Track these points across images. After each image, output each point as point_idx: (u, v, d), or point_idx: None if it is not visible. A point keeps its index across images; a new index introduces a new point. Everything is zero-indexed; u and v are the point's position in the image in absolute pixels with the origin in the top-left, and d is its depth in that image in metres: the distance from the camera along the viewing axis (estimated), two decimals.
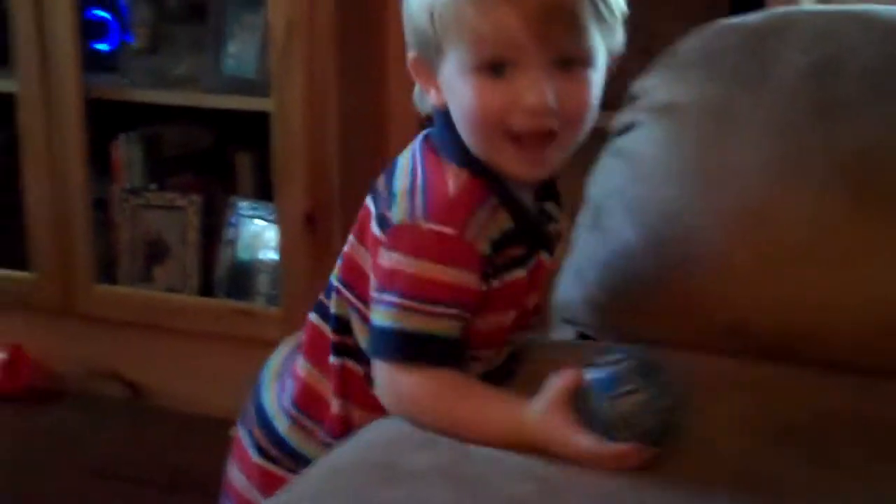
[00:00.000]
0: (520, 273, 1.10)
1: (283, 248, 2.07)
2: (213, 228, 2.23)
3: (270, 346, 1.52)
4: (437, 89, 1.09)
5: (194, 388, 2.19)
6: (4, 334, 2.30)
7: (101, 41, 2.23)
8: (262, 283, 2.17)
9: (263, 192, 2.22)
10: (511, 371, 1.19)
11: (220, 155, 2.33)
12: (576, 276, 1.38)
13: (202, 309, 2.17)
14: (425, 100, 1.13)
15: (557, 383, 1.02)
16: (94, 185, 2.21)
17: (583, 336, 1.41)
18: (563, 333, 1.43)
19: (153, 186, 2.25)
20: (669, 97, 1.32)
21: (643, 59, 1.37)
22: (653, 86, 1.35)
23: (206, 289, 2.22)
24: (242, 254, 2.19)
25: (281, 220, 2.06)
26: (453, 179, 1.07)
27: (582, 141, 1.07)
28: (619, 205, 1.32)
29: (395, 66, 2.07)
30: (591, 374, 1.00)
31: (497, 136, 1.04)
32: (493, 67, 1.02)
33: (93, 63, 2.17)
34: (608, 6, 1.04)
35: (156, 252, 2.25)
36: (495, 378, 1.14)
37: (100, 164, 2.23)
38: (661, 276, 1.28)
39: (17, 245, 2.28)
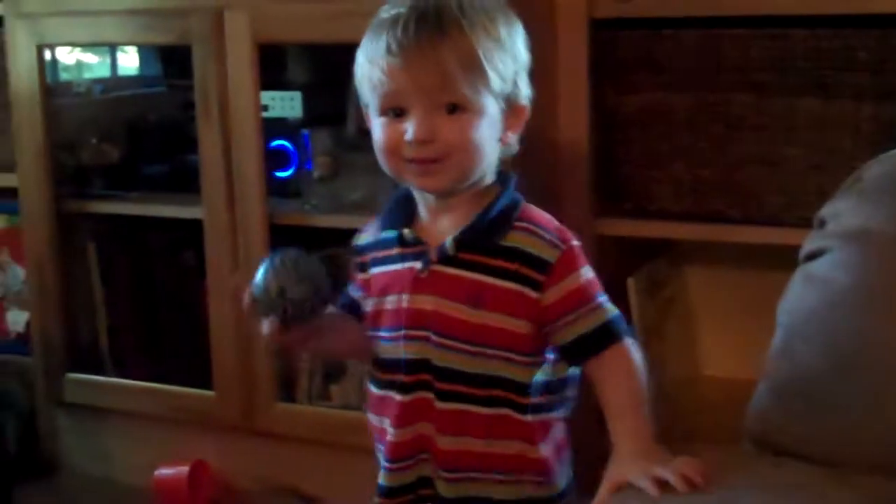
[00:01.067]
0: (377, 270, 1.45)
1: None
2: None
3: None
4: None
5: None
6: (187, 450, 2.37)
7: (283, 169, 2.34)
8: None
9: None
10: None
11: None
12: (767, 397, 1.39)
13: None
14: None
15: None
16: None
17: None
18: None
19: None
20: (860, 222, 1.33)
21: None
22: (841, 210, 1.36)
23: None
24: None
25: None
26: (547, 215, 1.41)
27: (475, 169, 1.35)
28: (810, 330, 1.33)
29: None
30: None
31: (397, 162, 1.36)
32: (394, 112, 1.35)
33: (275, 190, 2.28)
34: (489, 62, 1.31)
35: (332, 371, 2.32)
36: None
37: None
38: (851, 406, 1.28)
39: (201, 364, 2.38)
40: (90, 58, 2.84)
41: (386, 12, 1.36)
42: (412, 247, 1.39)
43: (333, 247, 1.91)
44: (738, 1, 1.88)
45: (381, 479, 1.43)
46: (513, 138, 1.40)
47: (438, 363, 1.37)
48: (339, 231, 2.26)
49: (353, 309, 1.49)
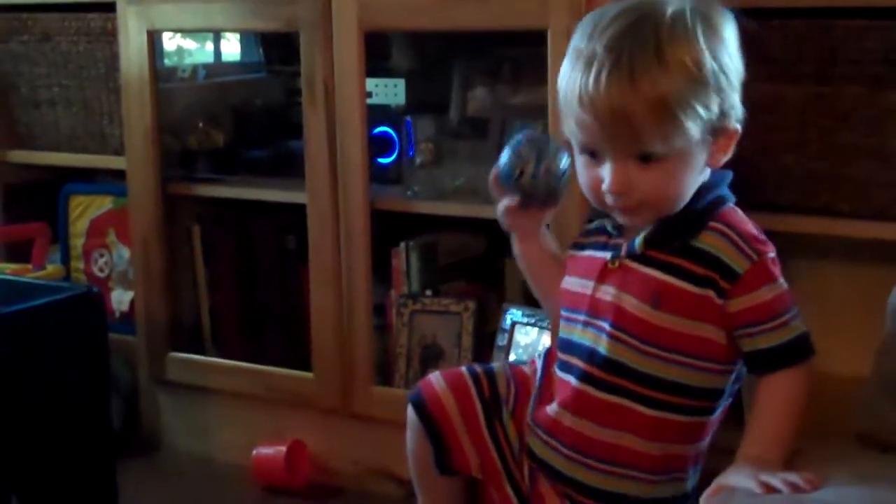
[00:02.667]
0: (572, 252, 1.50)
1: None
2: (486, 333, 2.30)
3: None
4: None
5: None
6: (285, 430, 2.41)
7: (386, 156, 2.36)
8: None
9: (532, 298, 2.27)
10: None
11: (491, 262, 2.42)
12: (874, 393, 1.37)
13: None
14: None
15: None
16: (373, 291, 2.32)
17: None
18: None
19: (429, 292, 2.35)
20: None
21: None
22: None
23: None
24: (515, 359, 2.24)
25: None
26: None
27: (676, 206, 1.34)
28: None
29: None
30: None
31: (598, 202, 1.36)
32: (590, 154, 1.34)
33: (377, 176, 2.30)
34: (687, 109, 1.25)
35: (430, 356, 2.34)
36: None
37: (379, 270, 2.34)
38: None
39: (301, 346, 2.42)
40: (189, 44, 2.89)
41: (582, 41, 1.31)
42: (612, 238, 1.41)
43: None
44: None
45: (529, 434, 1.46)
46: (722, 158, 1.35)
47: (609, 355, 1.36)
48: (439, 218, 2.29)
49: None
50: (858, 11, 1.85)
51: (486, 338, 2.30)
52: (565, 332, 1.43)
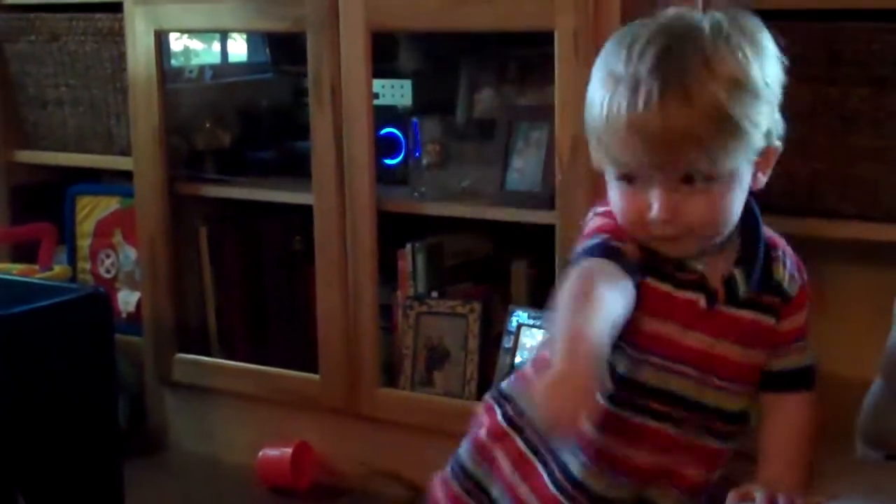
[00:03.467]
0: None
1: None
2: (492, 335, 2.30)
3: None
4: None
5: None
6: (291, 431, 2.41)
7: (392, 157, 2.37)
8: None
9: (538, 300, 2.28)
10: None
11: (498, 263, 2.42)
12: (881, 396, 1.37)
13: None
14: None
15: None
16: (379, 292, 2.32)
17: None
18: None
19: (435, 294, 2.35)
20: None
21: None
22: None
23: (484, 394, 2.27)
24: (521, 361, 2.24)
25: None
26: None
27: (724, 233, 1.25)
28: None
29: None
30: None
31: (640, 232, 1.23)
32: (627, 179, 1.22)
33: (383, 177, 2.30)
34: (741, 126, 1.17)
35: (436, 357, 2.33)
36: None
37: (385, 272, 2.34)
38: None
39: (307, 348, 2.42)
40: (196, 44, 2.89)
41: (618, 65, 1.20)
42: (687, 272, 1.27)
43: None
44: None
45: (586, 477, 1.30)
46: (763, 179, 1.27)
47: (706, 402, 1.29)
48: (446, 219, 2.29)
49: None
50: (865, 14, 1.85)
51: (492, 340, 2.30)
52: (649, 377, 1.28)
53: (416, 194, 2.29)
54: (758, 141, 1.21)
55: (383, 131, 2.35)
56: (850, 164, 1.90)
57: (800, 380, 1.33)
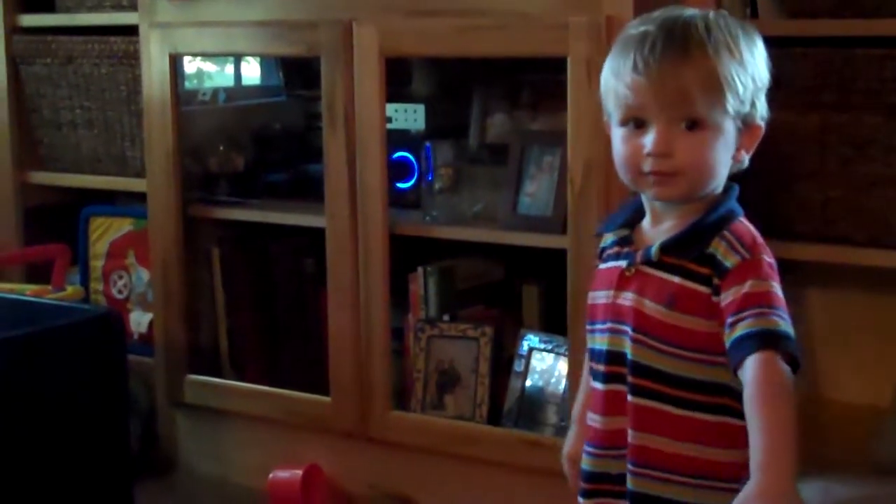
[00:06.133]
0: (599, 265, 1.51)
1: (574, 379, 2.11)
2: (503, 359, 2.31)
3: (557, 477, 1.58)
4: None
5: None
6: (302, 454, 2.41)
7: (405, 181, 2.38)
8: (551, 414, 2.22)
9: (550, 324, 2.28)
10: None
11: (509, 287, 2.42)
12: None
13: (491, 438, 2.23)
14: None
15: None
16: (391, 315, 2.33)
17: None
18: None
19: (446, 317, 2.35)
20: None
21: None
22: None
23: (495, 418, 2.28)
24: (532, 385, 2.24)
25: (573, 353, 2.11)
26: None
27: (708, 183, 1.40)
28: None
29: None
30: None
31: (634, 173, 1.41)
32: (635, 124, 1.40)
33: (396, 201, 2.31)
34: (729, 84, 1.35)
35: (447, 380, 2.34)
36: None
37: (397, 295, 2.35)
38: None
39: (318, 370, 2.42)
40: (210, 66, 2.91)
41: (634, 28, 1.42)
42: (626, 247, 1.46)
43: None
44: (870, 23, 1.86)
45: (584, 463, 1.49)
46: (745, 156, 1.44)
47: (633, 358, 1.41)
48: (458, 243, 2.30)
49: None
50: (877, 41, 1.86)
51: (504, 363, 2.30)
52: (591, 342, 1.50)
53: (428, 218, 2.30)
54: (741, 106, 1.38)
55: (396, 155, 2.37)
56: (861, 191, 1.90)
57: (753, 343, 1.33)
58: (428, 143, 2.34)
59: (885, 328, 2.01)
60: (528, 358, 2.25)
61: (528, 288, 2.37)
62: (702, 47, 1.36)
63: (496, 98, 2.40)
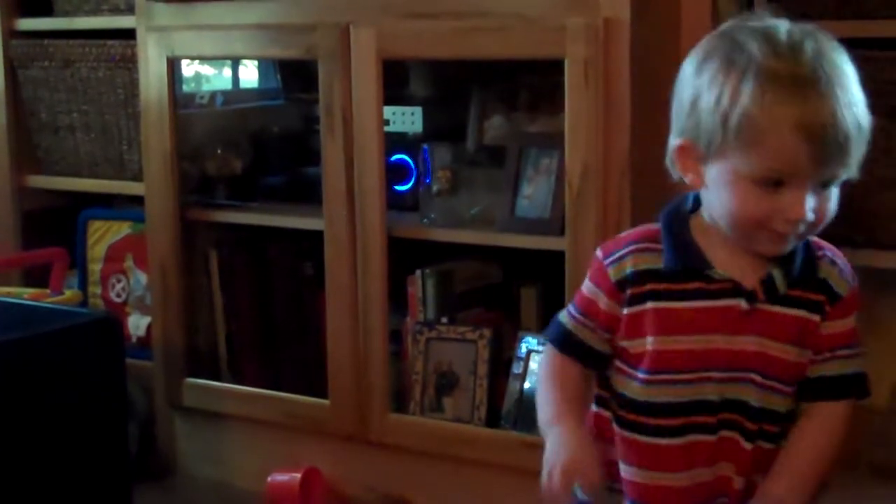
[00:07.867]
0: (656, 304, 1.29)
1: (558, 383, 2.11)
2: (502, 361, 2.31)
3: None
4: (697, 176, 1.27)
5: None
6: (300, 457, 2.41)
7: (403, 183, 2.38)
8: None
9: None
10: None
11: (507, 290, 2.42)
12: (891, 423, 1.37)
13: (490, 440, 2.23)
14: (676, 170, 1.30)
15: None
16: (389, 318, 2.33)
17: None
18: None
19: (444, 320, 2.35)
20: None
21: None
22: None
23: (494, 420, 2.28)
24: (530, 387, 2.24)
25: None
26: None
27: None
28: None
29: None
30: None
31: (754, 231, 1.24)
32: (773, 183, 1.20)
33: (394, 203, 2.31)
34: (866, 133, 1.22)
35: (446, 383, 2.34)
36: None
37: (395, 297, 2.35)
38: None
39: (316, 373, 2.42)
40: (207, 70, 2.91)
41: (769, 60, 1.20)
42: (719, 282, 1.28)
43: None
44: (870, 24, 1.86)
45: None
46: None
47: (759, 405, 1.30)
48: (456, 245, 2.30)
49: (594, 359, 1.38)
50: (878, 42, 1.85)
51: (502, 365, 2.30)
52: (653, 395, 1.31)
53: (426, 220, 2.30)
54: None
55: (394, 158, 2.37)
56: (861, 193, 1.90)
57: (834, 389, 1.30)
58: (426, 146, 2.34)
59: (881, 329, 2.01)
60: (526, 360, 2.25)
61: (526, 290, 2.37)
62: (860, 103, 1.23)
63: (494, 100, 2.40)
